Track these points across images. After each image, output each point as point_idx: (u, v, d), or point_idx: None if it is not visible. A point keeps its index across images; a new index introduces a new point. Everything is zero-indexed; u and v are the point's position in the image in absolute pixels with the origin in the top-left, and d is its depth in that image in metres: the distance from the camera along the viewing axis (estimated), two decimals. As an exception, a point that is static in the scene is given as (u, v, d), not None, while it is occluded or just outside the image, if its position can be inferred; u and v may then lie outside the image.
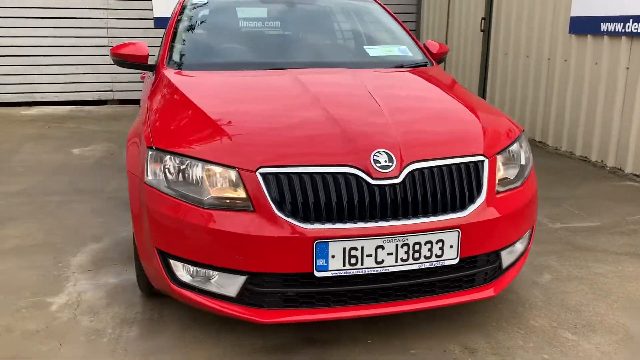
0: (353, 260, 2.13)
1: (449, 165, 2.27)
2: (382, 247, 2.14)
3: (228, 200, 2.19)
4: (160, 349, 2.36)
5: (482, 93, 7.37)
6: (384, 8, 4.00)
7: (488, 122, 2.60)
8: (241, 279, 2.18)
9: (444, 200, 2.23)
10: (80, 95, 8.76)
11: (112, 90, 8.83)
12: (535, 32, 6.24)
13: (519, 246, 2.55)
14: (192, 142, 2.34)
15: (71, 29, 8.47)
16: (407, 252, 2.17)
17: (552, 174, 4.98)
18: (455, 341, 2.43)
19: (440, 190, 2.22)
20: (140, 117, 2.78)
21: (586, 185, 4.76)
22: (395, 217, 2.16)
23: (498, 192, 2.37)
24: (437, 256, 2.21)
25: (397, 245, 2.15)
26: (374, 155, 2.19)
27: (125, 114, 8.17)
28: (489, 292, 2.41)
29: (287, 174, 2.13)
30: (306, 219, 2.11)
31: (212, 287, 2.25)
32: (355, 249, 2.12)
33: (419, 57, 3.56)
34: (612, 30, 5.05)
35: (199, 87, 2.92)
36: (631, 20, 4.82)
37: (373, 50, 3.53)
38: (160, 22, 8.43)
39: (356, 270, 2.14)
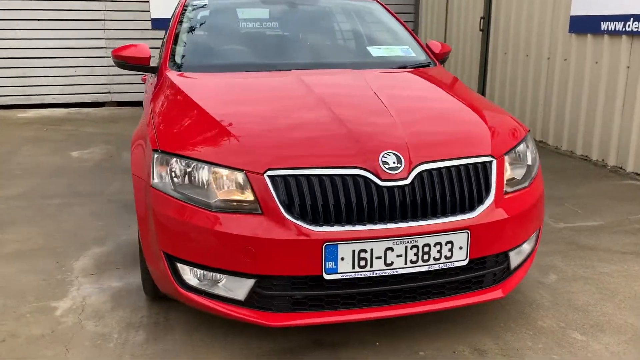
0: (362, 263, 2.11)
1: (457, 166, 2.25)
2: (392, 249, 2.12)
3: (235, 203, 2.17)
4: (168, 353, 2.34)
5: (482, 92, 7.37)
6: (385, 8, 3.99)
7: (495, 123, 2.59)
8: (249, 282, 2.16)
9: (453, 202, 2.21)
10: (78, 97, 8.71)
11: (109, 92, 8.80)
12: (535, 31, 6.25)
13: (527, 247, 2.54)
14: (198, 144, 2.32)
15: (68, 31, 8.43)
16: (416, 254, 2.15)
17: (553, 173, 4.98)
18: (464, 342, 2.42)
19: (449, 191, 2.21)
20: (144, 120, 2.75)
21: (588, 185, 4.76)
22: (404, 218, 2.15)
23: (506, 193, 2.36)
24: (446, 258, 2.20)
25: (406, 247, 2.13)
26: (383, 156, 2.17)
27: (123, 116, 8.14)
28: (497, 294, 2.39)
29: (296, 176, 2.12)
30: (315, 222, 2.10)
31: (219, 291, 2.23)
32: (365, 251, 2.10)
33: (422, 57, 3.55)
34: (613, 29, 5.05)
35: (202, 88, 2.90)
36: (632, 19, 4.83)
37: (376, 51, 3.51)
38: (157, 24, 8.40)
39: (365, 273, 2.12)
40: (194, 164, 2.24)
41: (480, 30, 7.34)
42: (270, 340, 2.40)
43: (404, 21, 3.98)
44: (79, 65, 8.58)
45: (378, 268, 2.13)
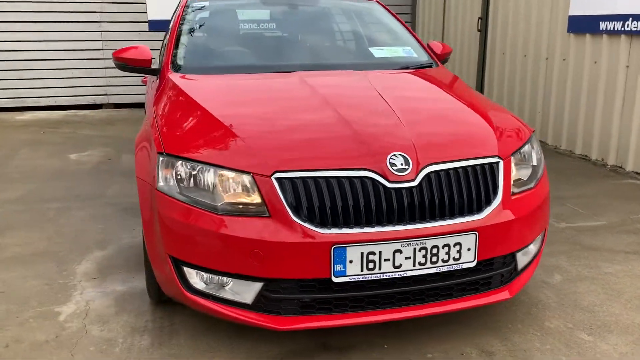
0: (371, 265, 2.10)
1: (464, 168, 2.25)
2: (400, 251, 2.11)
3: (241, 206, 2.16)
4: (174, 358, 2.32)
5: (480, 92, 7.36)
6: (386, 9, 3.99)
7: (500, 124, 2.59)
8: (257, 286, 2.14)
9: (461, 203, 2.20)
10: (74, 99, 8.67)
11: (106, 94, 8.75)
12: (533, 31, 6.25)
13: (533, 248, 2.54)
14: (204, 147, 2.30)
15: (65, 33, 8.38)
16: (425, 256, 2.14)
17: (554, 173, 4.95)
18: (472, 344, 2.41)
19: (456, 192, 2.20)
20: (148, 122, 2.73)
21: (588, 184, 4.77)
22: (412, 220, 2.14)
23: (513, 194, 2.36)
24: (454, 259, 2.19)
25: (415, 249, 2.12)
26: (390, 158, 2.16)
27: (121, 118, 8.11)
28: (504, 295, 2.39)
29: (303, 179, 2.10)
30: (323, 224, 2.08)
31: (226, 294, 2.21)
32: (373, 253, 2.09)
33: (424, 58, 3.54)
34: (612, 29, 5.06)
35: (206, 91, 2.88)
36: (631, 18, 4.84)
37: (378, 52, 3.50)
38: (154, 25, 8.38)
39: (374, 275, 2.11)
40: (199, 167, 2.22)
41: (478, 30, 7.35)
42: (278, 344, 2.39)
43: (402, 22, 3.97)
44: (75, 67, 8.53)
45: (387, 270, 2.12)
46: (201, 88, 2.91)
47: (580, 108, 5.59)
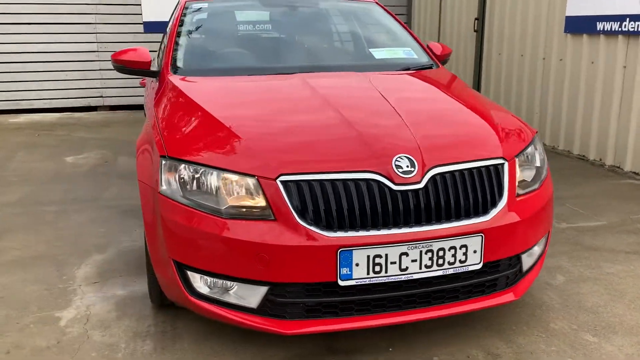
0: (377, 268, 2.09)
1: (470, 169, 2.23)
2: (407, 254, 2.10)
3: (246, 209, 2.14)
4: (177, 363, 2.30)
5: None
6: (385, 10, 3.98)
7: (504, 125, 2.58)
8: (263, 290, 2.12)
9: (467, 205, 2.19)
10: (69, 102, 8.61)
11: (101, 97, 8.70)
12: (530, 32, 6.26)
13: (537, 249, 2.53)
14: (207, 149, 2.28)
15: (59, 35, 8.32)
16: (431, 259, 2.13)
17: (552, 173, 4.95)
18: (478, 346, 2.40)
19: (462, 194, 2.19)
20: (149, 124, 2.71)
21: (587, 184, 4.77)
22: (418, 223, 2.13)
23: (518, 195, 2.35)
24: (460, 262, 2.17)
25: (421, 251, 2.11)
26: (396, 160, 2.15)
27: (117, 120, 8.06)
28: (510, 297, 2.38)
29: (309, 181, 2.08)
30: (329, 227, 2.07)
31: (231, 299, 2.19)
32: (380, 256, 2.08)
33: (424, 59, 3.54)
34: (609, 29, 5.08)
35: (207, 93, 2.86)
36: (628, 19, 4.85)
37: (378, 53, 3.49)
38: (150, 27, 8.34)
39: (380, 278, 2.10)
40: (203, 170, 2.20)
41: (475, 31, 7.35)
42: (283, 348, 2.37)
43: (399, 22, 3.95)
44: (70, 70, 8.47)
45: (393, 273, 2.10)
46: (202, 90, 2.89)
47: (578, 108, 5.60)
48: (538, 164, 2.56)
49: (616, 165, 5.18)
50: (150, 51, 3.38)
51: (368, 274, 2.08)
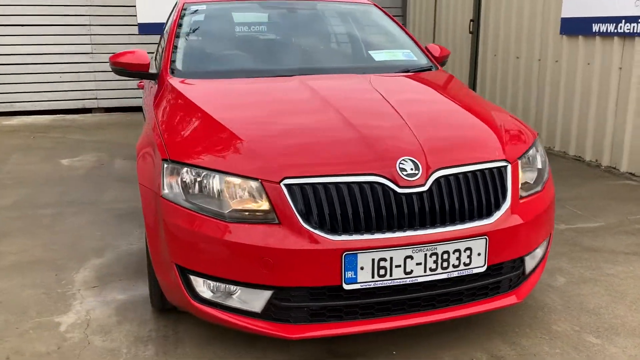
0: (382, 272, 2.08)
1: (473, 172, 2.23)
2: (411, 257, 2.09)
3: (249, 213, 2.12)
4: (180, 368, 2.29)
5: (472, 95, 7.39)
6: (384, 12, 3.97)
7: (505, 127, 2.58)
8: (267, 294, 2.11)
9: (471, 208, 2.19)
10: (63, 104, 8.55)
11: (96, 99, 8.65)
12: (525, 33, 6.28)
13: (539, 251, 2.53)
14: (209, 153, 2.27)
15: (53, 36, 8.26)
16: (435, 262, 2.12)
17: (550, 175, 4.99)
18: (481, 349, 2.39)
19: (466, 197, 2.18)
20: (149, 128, 2.69)
21: (584, 185, 4.79)
22: (423, 226, 2.12)
23: (521, 197, 2.35)
24: (465, 265, 2.17)
25: (425, 254, 2.10)
26: (400, 163, 2.14)
27: (112, 122, 8.01)
28: (513, 299, 2.38)
29: (313, 185, 2.07)
30: (333, 230, 2.06)
31: (234, 303, 2.17)
32: (384, 259, 2.07)
33: (423, 61, 3.54)
34: (605, 31, 5.10)
35: (208, 95, 2.84)
36: (623, 20, 4.87)
37: (378, 55, 3.49)
38: (144, 29, 8.30)
39: (385, 282, 2.09)
40: (205, 173, 2.18)
41: (470, 32, 7.37)
42: (286, 351, 2.36)
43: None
44: (64, 72, 8.42)
45: (398, 277, 2.09)
46: (202, 92, 2.87)
47: (574, 109, 5.62)
48: (540, 165, 2.56)
49: (612, 166, 5.21)
50: (148, 52, 3.36)
51: (373, 277, 2.07)
